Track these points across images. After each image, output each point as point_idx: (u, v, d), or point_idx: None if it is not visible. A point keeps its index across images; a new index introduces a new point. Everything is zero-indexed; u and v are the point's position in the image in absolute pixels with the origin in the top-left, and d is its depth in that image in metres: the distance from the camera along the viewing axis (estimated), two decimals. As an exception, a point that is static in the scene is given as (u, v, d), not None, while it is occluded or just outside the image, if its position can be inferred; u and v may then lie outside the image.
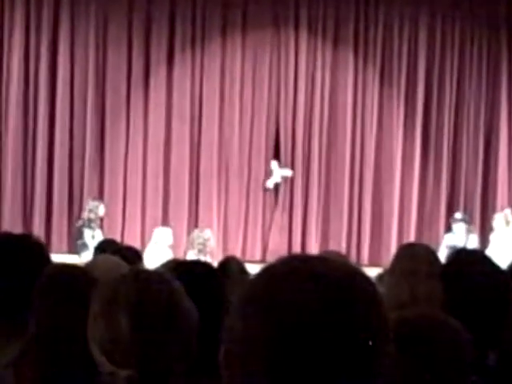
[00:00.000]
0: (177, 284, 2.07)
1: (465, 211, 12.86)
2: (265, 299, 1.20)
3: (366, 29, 13.41)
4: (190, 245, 10.99)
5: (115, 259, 3.70)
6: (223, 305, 2.51)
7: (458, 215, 12.27)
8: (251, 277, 1.31)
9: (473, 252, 4.09)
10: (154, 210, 13.06)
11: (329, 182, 13.40)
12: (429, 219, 13.44)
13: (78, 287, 2.58)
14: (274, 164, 13.17)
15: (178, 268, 2.68)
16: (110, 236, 10.21)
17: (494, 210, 12.80)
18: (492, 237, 11.72)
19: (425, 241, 11.10)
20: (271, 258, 10.58)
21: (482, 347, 2.53)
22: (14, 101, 12.88)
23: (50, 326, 2.53)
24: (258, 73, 13.32)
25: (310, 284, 1.19)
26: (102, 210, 11.59)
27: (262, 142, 13.30)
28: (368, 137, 13.38)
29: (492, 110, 13.61)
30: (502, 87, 13.56)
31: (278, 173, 13.09)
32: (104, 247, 5.08)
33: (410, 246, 4.11)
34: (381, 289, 3.32)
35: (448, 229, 12.42)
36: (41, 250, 2.94)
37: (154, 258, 9.57)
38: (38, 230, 12.32)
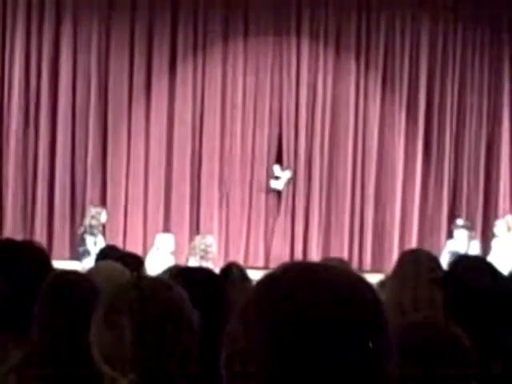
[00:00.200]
0: (179, 290, 2.08)
1: (466, 217, 12.85)
2: (266, 305, 1.21)
3: (368, 35, 13.42)
4: (191, 251, 10.97)
5: (117, 266, 3.70)
6: (225, 311, 2.51)
7: (459, 221, 12.26)
8: (253, 283, 1.32)
9: (474, 258, 4.09)
10: (156, 216, 13.07)
11: (331, 188, 13.39)
12: (431, 225, 13.43)
13: (80, 294, 2.59)
14: (276, 168, 13.18)
15: (180, 274, 2.68)
16: (111, 242, 10.19)
17: (495, 217, 12.79)
18: (494, 243, 11.71)
19: (427, 247, 11.09)
20: (274, 265, 10.59)
21: (485, 354, 2.53)
22: (15, 108, 12.89)
23: (52, 332, 2.53)
24: (260, 80, 13.32)
25: (312, 291, 1.20)
26: (103, 217, 11.58)
27: (263, 149, 13.30)
28: (370, 143, 13.38)
29: (494, 116, 13.61)
30: (504, 93, 13.55)
31: (280, 175, 13.10)
32: (106, 254, 5.06)
33: (412, 252, 4.11)
34: (382, 295, 3.32)
35: (450, 235, 12.41)
36: (43, 257, 2.95)
37: (155, 264, 9.56)
38: (39, 237, 12.33)
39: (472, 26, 13.52)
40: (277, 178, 13.17)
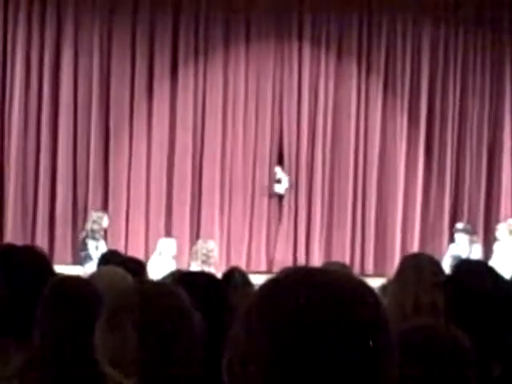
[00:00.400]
0: (181, 295, 2.08)
1: (468, 222, 12.84)
2: (268, 309, 1.21)
3: (369, 39, 13.43)
4: (193, 256, 10.96)
5: (119, 270, 3.71)
6: (227, 316, 2.51)
7: (459, 225, 12.27)
8: (255, 288, 1.32)
9: (476, 262, 4.10)
10: (158, 221, 13.06)
11: (333, 193, 13.39)
12: (432, 229, 13.43)
13: (82, 298, 2.59)
14: (278, 170, 13.19)
15: (183, 279, 2.68)
16: (113, 247, 10.18)
17: (497, 221, 12.79)
18: (495, 247, 11.71)
19: (429, 251, 11.07)
20: (277, 269, 10.59)
21: (486, 357, 2.53)
22: (16, 111, 12.88)
23: (54, 337, 2.53)
24: (262, 85, 13.32)
25: (313, 294, 1.20)
26: (105, 221, 11.58)
27: (265, 154, 13.30)
28: (371, 147, 13.39)
29: (495, 120, 13.61)
30: (506, 97, 13.56)
31: (282, 176, 13.10)
32: (108, 258, 5.07)
33: (414, 256, 4.11)
34: (384, 299, 3.32)
35: (452, 239, 12.40)
36: (44, 262, 2.95)
37: (157, 269, 9.56)
38: (41, 241, 12.32)
39: (473, 28, 13.53)
40: (279, 180, 13.17)
